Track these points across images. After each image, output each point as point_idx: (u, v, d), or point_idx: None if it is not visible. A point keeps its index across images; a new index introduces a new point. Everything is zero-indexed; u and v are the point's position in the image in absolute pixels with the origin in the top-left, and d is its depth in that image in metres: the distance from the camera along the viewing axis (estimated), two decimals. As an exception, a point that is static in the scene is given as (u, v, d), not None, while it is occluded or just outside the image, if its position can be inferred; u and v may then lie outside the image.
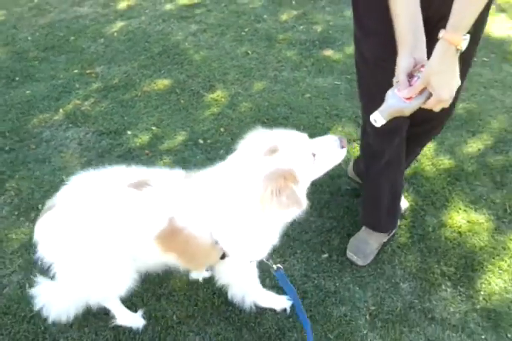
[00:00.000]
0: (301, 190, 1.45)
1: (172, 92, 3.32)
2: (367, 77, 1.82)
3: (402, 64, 1.43)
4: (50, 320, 1.79)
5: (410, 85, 1.40)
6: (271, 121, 3.02)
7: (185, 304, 2.00)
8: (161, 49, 3.82)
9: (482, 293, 2.01)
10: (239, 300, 1.89)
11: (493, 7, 4.61)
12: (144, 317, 1.93)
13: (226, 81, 3.43)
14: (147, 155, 2.76)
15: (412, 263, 2.14)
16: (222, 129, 2.97)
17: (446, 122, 2.01)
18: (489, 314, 1.94)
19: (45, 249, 1.56)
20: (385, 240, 2.22)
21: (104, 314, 1.93)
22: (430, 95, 1.37)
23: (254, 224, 1.49)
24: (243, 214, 1.47)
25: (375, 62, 1.71)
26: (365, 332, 1.89)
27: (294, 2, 4.59)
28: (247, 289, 1.87)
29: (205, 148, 2.82)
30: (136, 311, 1.94)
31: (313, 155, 1.46)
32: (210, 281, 2.07)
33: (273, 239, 1.63)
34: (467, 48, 1.36)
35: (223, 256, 1.63)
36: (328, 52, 3.75)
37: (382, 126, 1.71)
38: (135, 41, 3.96)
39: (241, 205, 1.44)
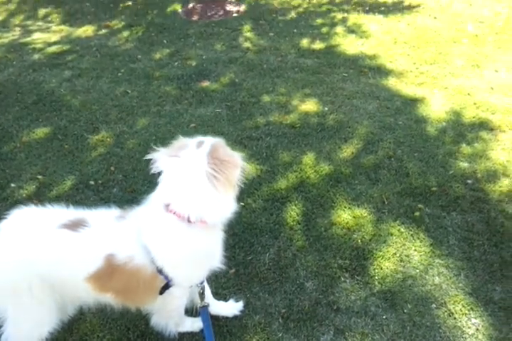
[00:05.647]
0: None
1: (54, 139, 3.25)
2: None
3: None
4: None
5: None
6: (160, 154, 3.08)
7: (100, 346, 1.95)
8: (36, 98, 3.74)
9: (376, 277, 2.21)
10: (162, 326, 1.88)
11: (343, 29, 5.12)
12: (56, 369, 1.84)
13: (109, 121, 3.45)
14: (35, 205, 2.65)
15: (312, 262, 2.30)
16: (112, 168, 2.96)
17: None
18: (386, 295, 2.14)
19: None
20: None
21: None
22: None
23: (193, 239, 1.55)
24: (183, 232, 1.53)
25: None
26: (280, 334, 1.97)
27: (165, 41, 4.78)
28: (172, 316, 1.87)
29: (97, 189, 2.79)
30: (47, 365, 1.85)
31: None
32: (122, 317, 2.04)
33: (213, 257, 1.70)
34: None
35: (162, 291, 1.67)
36: (206, 83, 3.94)
37: None
38: (6, 93, 3.84)
39: (180, 223, 1.51)
